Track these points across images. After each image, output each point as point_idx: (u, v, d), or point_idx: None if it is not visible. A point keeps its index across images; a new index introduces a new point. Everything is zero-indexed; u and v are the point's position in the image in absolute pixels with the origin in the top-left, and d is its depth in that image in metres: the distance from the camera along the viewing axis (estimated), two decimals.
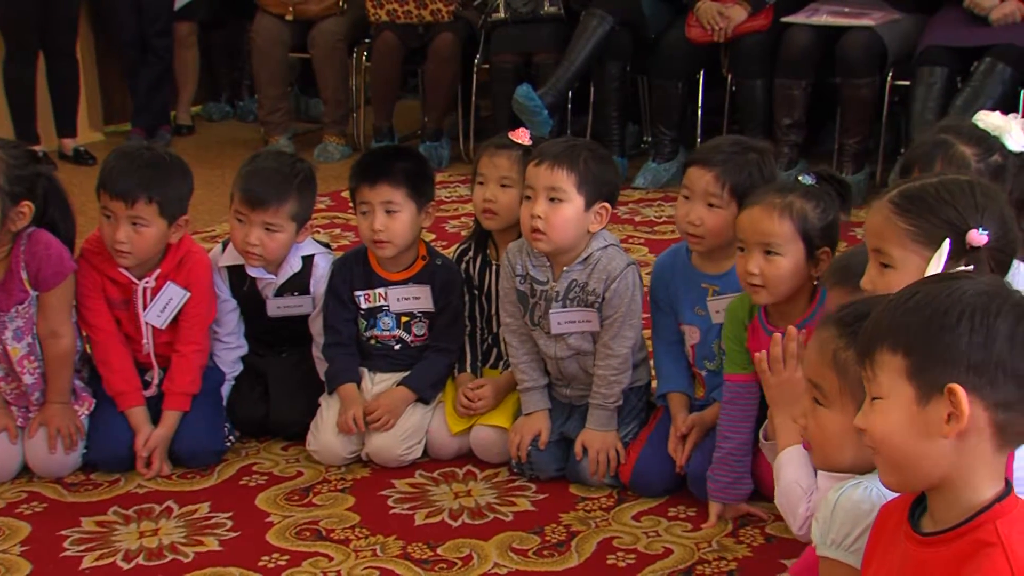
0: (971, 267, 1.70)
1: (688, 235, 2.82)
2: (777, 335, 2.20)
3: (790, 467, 2.18)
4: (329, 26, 5.85)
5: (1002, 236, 1.95)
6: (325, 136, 6.00)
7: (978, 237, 1.92)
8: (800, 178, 2.60)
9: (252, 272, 3.10)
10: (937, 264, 1.64)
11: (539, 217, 2.77)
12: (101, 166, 2.98)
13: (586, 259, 2.84)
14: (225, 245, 3.15)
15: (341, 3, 5.86)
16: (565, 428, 2.95)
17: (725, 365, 2.71)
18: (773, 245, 2.53)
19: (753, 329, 2.64)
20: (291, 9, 5.84)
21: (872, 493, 1.70)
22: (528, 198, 2.81)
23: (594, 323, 2.87)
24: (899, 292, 1.53)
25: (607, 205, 2.83)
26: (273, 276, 3.11)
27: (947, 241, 1.71)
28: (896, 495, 1.61)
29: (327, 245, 3.28)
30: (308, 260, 3.13)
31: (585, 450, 2.89)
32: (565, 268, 2.85)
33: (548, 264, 2.88)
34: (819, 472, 2.10)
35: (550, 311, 2.86)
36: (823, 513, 1.75)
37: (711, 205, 2.75)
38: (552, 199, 2.78)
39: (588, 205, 2.80)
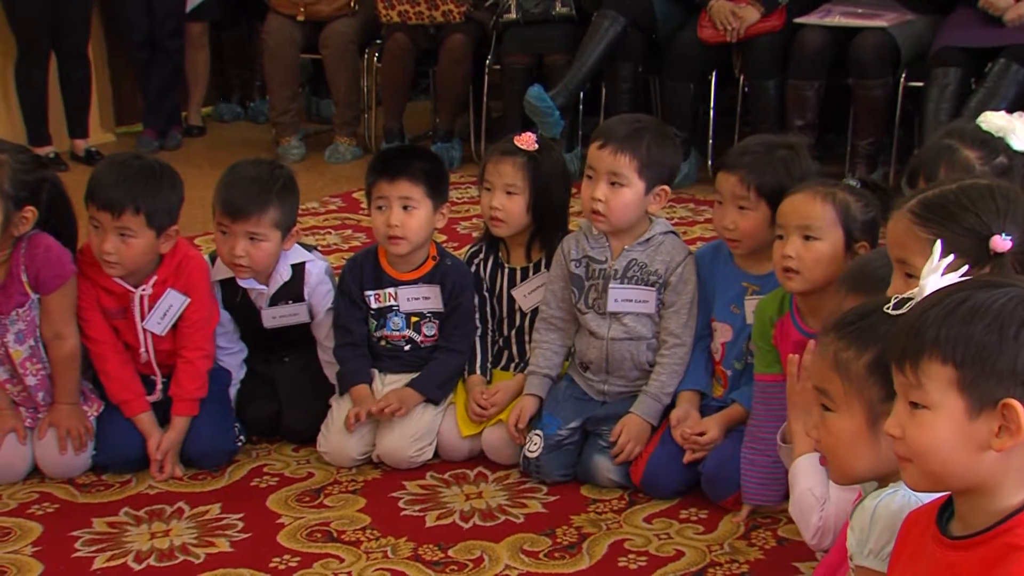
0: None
1: (726, 240, 2.83)
2: (812, 343, 2.18)
3: (804, 476, 2.16)
4: (340, 27, 5.85)
5: None
6: (336, 137, 6.00)
7: (1002, 243, 1.89)
8: (846, 179, 2.60)
9: (243, 283, 3.08)
10: (935, 270, 1.60)
11: (600, 200, 2.81)
12: (90, 176, 2.95)
13: (648, 240, 2.88)
14: (214, 259, 3.13)
15: (353, 3, 5.85)
16: (587, 415, 2.93)
17: (755, 365, 2.70)
18: (813, 228, 2.52)
19: (782, 324, 2.62)
20: (302, 10, 5.84)
21: (911, 500, 1.67)
22: (589, 178, 2.85)
23: (651, 303, 2.88)
24: (942, 296, 1.48)
25: (666, 188, 2.88)
26: (264, 287, 3.09)
27: (939, 242, 1.67)
28: (924, 502, 1.59)
29: (313, 247, 3.26)
30: (299, 268, 3.11)
31: (600, 444, 2.87)
32: (626, 247, 2.88)
33: (607, 244, 2.90)
34: (834, 484, 2.09)
35: (609, 287, 2.87)
36: (859, 522, 1.72)
37: (741, 208, 2.75)
38: (613, 183, 2.80)
39: (648, 189, 2.84)
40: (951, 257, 1.60)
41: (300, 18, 5.86)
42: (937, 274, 1.57)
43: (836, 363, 1.73)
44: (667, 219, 4.85)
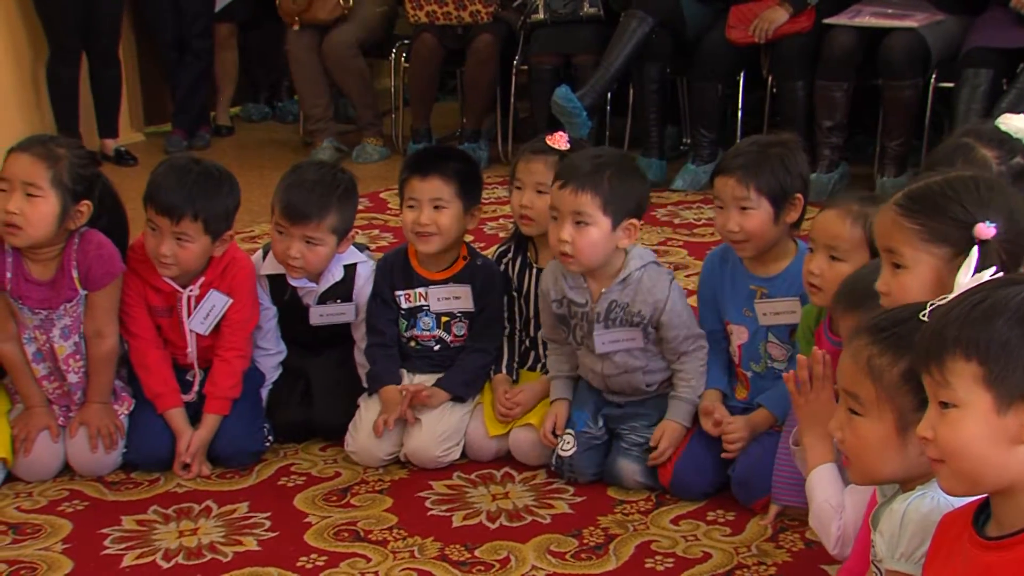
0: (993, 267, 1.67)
1: (731, 242, 2.81)
2: (801, 357, 2.19)
3: (819, 488, 2.16)
4: (339, 36, 5.83)
5: (1010, 228, 1.94)
6: (364, 137, 6.02)
7: (985, 230, 1.90)
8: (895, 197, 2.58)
9: (293, 282, 3.09)
10: (966, 274, 1.61)
11: (566, 241, 2.76)
12: (150, 178, 2.97)
13: (625, 279, 2.83)
14: (266, 252, 3.15)
15: (344, 2, 5.82)
16: (610, 412, 2.93)
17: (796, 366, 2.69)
18: (838, 250, 2.50)
19: (818, 335, 2.62)
20: (296, 18, 5.84)
21: (940, 503, 1.67)
22: (555, 219, 2.80)
23: (638, 340, 2.86)
24: (963, 298, 1.51)
25: (635, 221, 2.80)
26: (315, 285, 3.11)
27: (975, 249, 1.69)
28: (959, 504, 1.59)
29: (365, 247, 3.27)
30: (350, 268, 3.12)
31: (623, 447, 2.87)
32: (604, 290, 2.84)
33: (585, 286, 2.86)
34: (847, 489, 2.08)
35: (594, 333, 2.85)
36: (889, 526, 1.72)
37: (743, 208, 2.74)
38: (578, 223, 2.75)
39: (615, 224, 2.77)
40: (992, 270, 1.60)
41: (296, 26, 5.86)
42: (967, 278, 1.57)
43: (869, 368, 1.73)
44: (695, 220, 4.92)
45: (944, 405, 1.49)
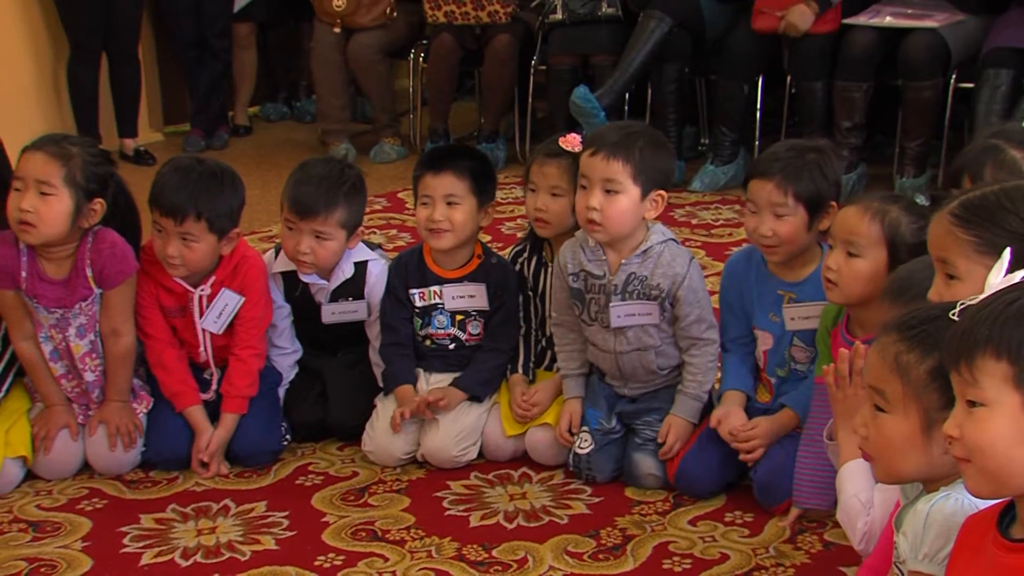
0: None
1: (763, 247, 2.80)
2: (843, 351, 2.17)
3: (850, 481, 2.15)
4: (367, 39, 5.83)
5: None
6: (381, 137, 6.03)
7: None
8: (916, 197, 2.57)
9: (304, 278, 3.10)
10: (997, 275, 1.60)
11: (595, 209, 2.76)
12: (154, 180, 2.99)
13: (645, 252, 2.83)
14: (278, 251, 3.16)
15: (389, 11, 5.85)
16: (624, 408, 2.93)
17: (816, 367, 2.68)
18: (856, 246, 2.49)
19: (834, 336, 2.61)
20: (338, 21, 5.86)
21: (964, 504, 1.66)
22: (583, 187, 2.80)
23: (654, 315, 2.85)
24: (995, 297, 1.51)
25: (663, 193, 2.82)
26: (325, 282, 3.11)
27: (1008, 251, 1.67)
28: (983, 505, 1.58)
29: (377, 246, 3.28)
30: (361, 266, 3.13)
31: (638, 442, 2.87)
32: (623, 261, 2.84)
33: (604, 258, 2.86)
34: (876, 487, 2.07)
35: (610, 304, 2.85)
36: (912, 526, 1.71)
37: (779, 215, 2.73)
38: (608, 191, 2.77)
39: (644, 195, 2.79)
40: (1006, 264, 1.59)
41: (337, 29, 5.88)
42: (999, 278, 1.56)
43: (897, 365, 1.71)
44: (712, 221, 4.91)
45: (972, 404, 1.49)
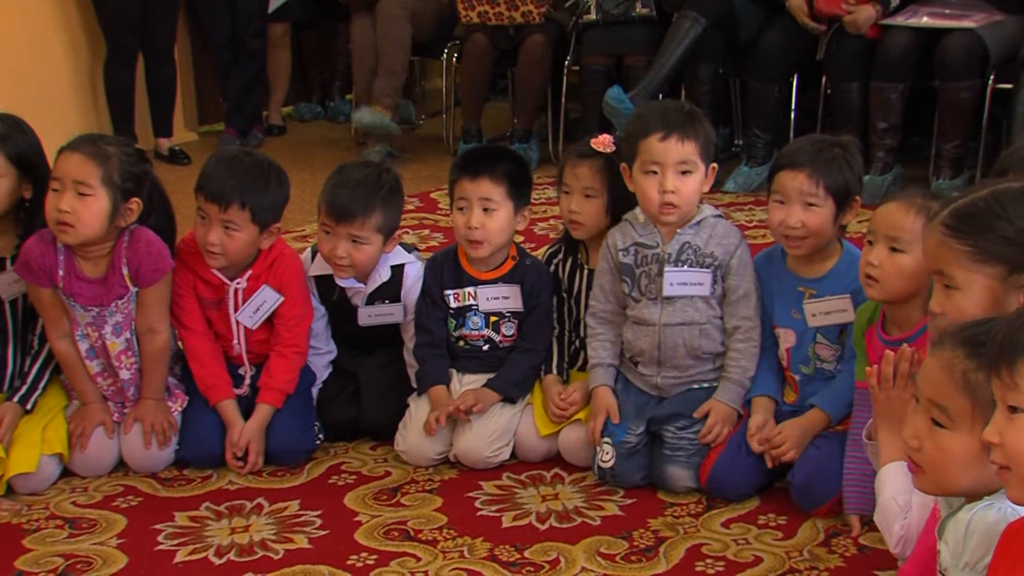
0: None
1: (788, 239, 2.79)
2: (888, 353, 2.14)
3: (889, 483, 2.13)
4: (395, 1, 5.81)
5: None
6: (372, 102, 5.79)
7: None
8: (955, 194, 2.55)
9: (341, 282, 3.11)
10: None
11: (672, 192, 2.80)
12: (202, 167, 3.02)
13: (699, 223, 2.87)
14: (314, 253, 3.16)
15: None
16: (653, 413, 2.91)
17: (855, 372, 2.66)
18: (900, 241, 2.47)
19: (869, 335, 2.59)
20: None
21: (1007, 513, 1.64)
22: (654, 173, 2.81)
23: (706, 286, 2.86)
24: None
25: (714, 165, 2.89)
26: (362, 285, 3.12)
27: None
28: (1021, 514, 1.56)
29: (414, 248, 3.28)
30: (398, 269, 3.13)
31: (667, 454, 2.85)
32: (678, 231, 2.87)
33: (657, 230, 2.89)
34: (915, 492, 2.05)
35: (665, 270, 2.86)
36: (954, 535, 1.70)
37: (809, 205, 2.73)
38: (684, 172, 2.80)
39: (707, 169, 2.85)
40: None
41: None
42: None
43: (965, 383, 1.68)
44: (747, 222, 4.87)
45: (1013, 410, 1.47)
